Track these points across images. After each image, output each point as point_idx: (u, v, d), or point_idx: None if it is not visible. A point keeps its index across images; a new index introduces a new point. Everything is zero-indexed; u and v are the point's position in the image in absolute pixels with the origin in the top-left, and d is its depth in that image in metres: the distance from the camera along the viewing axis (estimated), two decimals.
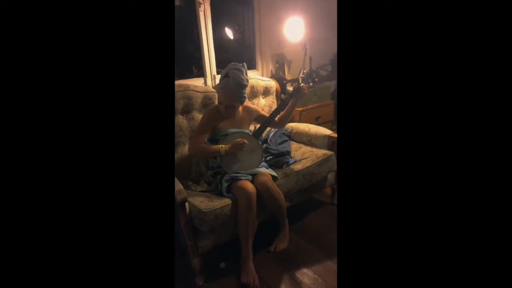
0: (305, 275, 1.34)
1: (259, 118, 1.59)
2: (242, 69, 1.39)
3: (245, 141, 1.38)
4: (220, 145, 1.38)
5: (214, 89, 1.76)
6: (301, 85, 1.51)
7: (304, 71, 1.60)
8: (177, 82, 1.77)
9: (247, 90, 1.48)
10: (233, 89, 1.38)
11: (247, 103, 1.59)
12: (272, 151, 1.68)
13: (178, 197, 1.16)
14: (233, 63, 1.42)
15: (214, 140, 1.46)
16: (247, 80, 1.42)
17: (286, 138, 1.83)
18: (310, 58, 2.29)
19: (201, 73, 2.04)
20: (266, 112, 1.66)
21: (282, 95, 2.06)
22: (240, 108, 1.52)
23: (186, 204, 1.22)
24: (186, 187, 1.46)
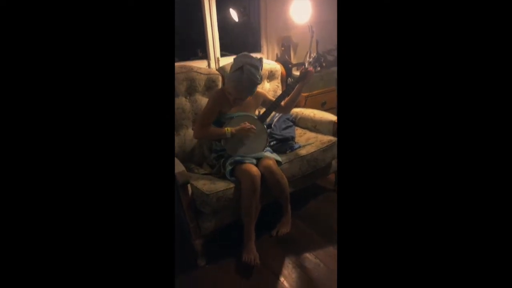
0: (307, 259, 1.35)
1: (265, 102, 1.56)
2: (258, 66, 1.33)
3: (254, 127, 1.36)
4: (226, 128, 1.36)
5: (219, 72, 1.73)
6: (308, 69, 1.47)
7: (312, 55, 1.55)
8: (180, 63, 1.73)
9: None
10: (245, 85, 1.33)
11: None
12: (276, 136, 1.65)
13: (180, 179, 1.15)
14: (248, 54, 1.34)
15: (218, 123, 1.44)
16: (262, 77, 1.37)
17: (291, 123, 1.80)
18: (317, 42, 2.23)
19: (205, 55, 2.00)
20: (271, 97, 1.62)
21: (289, 79, 2.02)
22: None
23: (189, 186, 1.21)
24: (189, 169, 1.45)
